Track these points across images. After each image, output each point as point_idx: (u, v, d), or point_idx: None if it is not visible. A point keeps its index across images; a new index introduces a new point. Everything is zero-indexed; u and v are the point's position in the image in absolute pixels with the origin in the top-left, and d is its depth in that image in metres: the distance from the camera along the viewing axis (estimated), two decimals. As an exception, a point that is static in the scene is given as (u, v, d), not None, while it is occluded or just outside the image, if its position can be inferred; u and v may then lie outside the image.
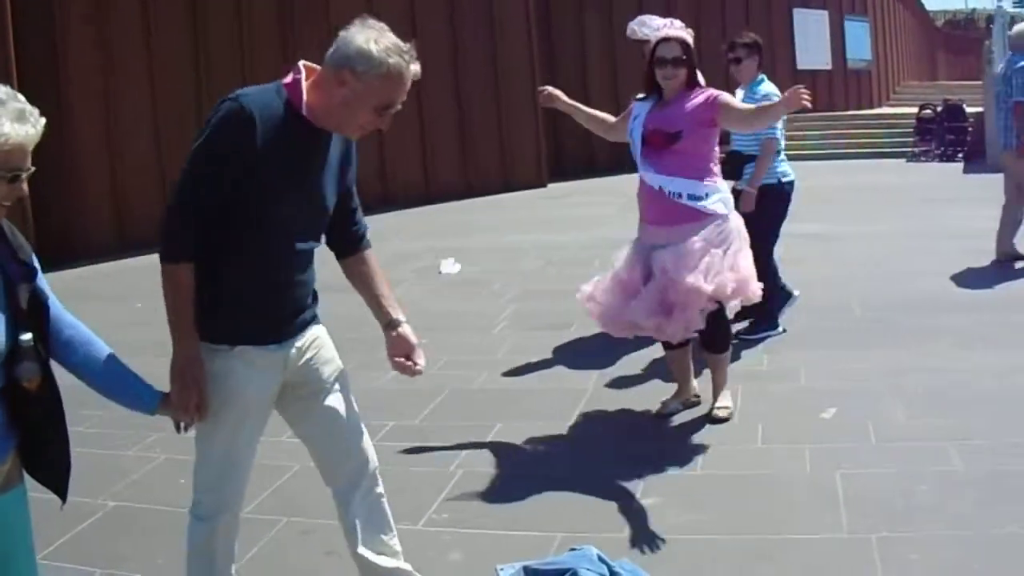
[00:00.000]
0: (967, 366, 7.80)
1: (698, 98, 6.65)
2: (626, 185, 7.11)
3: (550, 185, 23.09)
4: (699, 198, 6.55)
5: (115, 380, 3.58)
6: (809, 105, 5.90)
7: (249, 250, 3.81)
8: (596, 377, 7.97)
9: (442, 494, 5.80)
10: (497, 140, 22.56)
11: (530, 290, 11.59)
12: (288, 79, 3.83)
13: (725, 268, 6.43)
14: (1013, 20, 38.04)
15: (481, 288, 11.79)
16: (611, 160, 23.68)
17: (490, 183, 22.03)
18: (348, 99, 3.72)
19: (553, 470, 6.21)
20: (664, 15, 7.03)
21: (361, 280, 4.27)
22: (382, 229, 16.56)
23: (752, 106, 7.17)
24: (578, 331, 9.29)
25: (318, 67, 3.83)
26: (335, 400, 4.17)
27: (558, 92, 7.27)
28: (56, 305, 3.42)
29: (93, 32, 16.18)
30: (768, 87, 8.62)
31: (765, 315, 8.77)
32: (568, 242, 15.00)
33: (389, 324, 4.24)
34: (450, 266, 13.20)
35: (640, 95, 7.02)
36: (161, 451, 6.67)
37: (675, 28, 6.82)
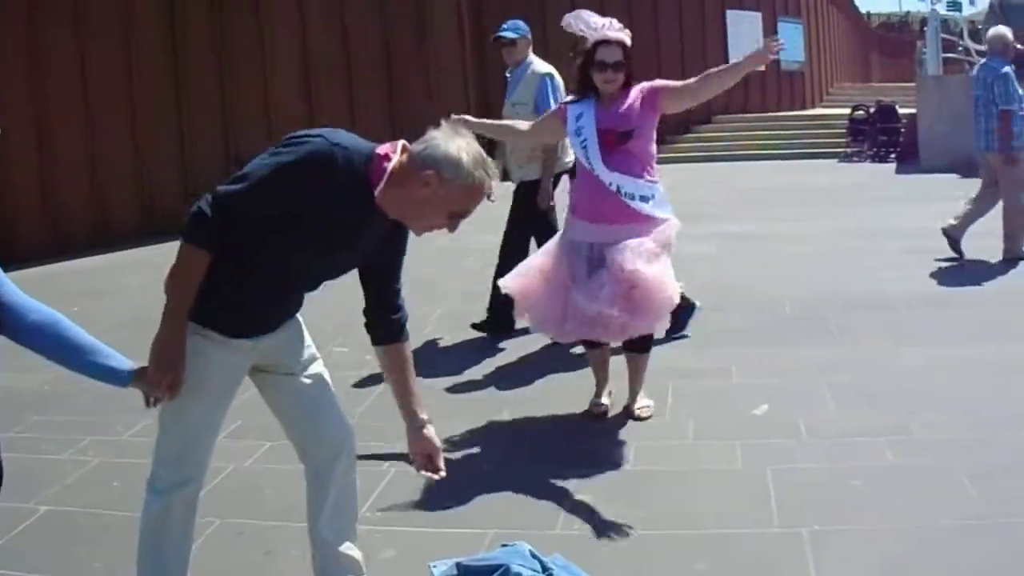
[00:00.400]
0: (899, 362, 7.94)
1: (638, 94, 6.65)
2: (565, 183, 7.14)
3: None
4: (647, 199, 6.57)
5: (89, 356, 3.66)
6: (773, 56, 6.20)
7: (258, 268, 3.88)
8: (527, 376, 8.02)
9: (375, 492, 5.82)
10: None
11: (466, 291, 11.56)
12: (382, 151, 3.89)
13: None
14: (946, 23, 38.55)
15: (417, 288, 11.71)
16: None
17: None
18: (428, 199, 3.79)
19: (485, 468, 6.25)
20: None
21: (393, 372, 4.33)
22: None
23: (695, 79, 6.83)
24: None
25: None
26: (312, 378, 4.28)
27: (464, 117, 6.94)
28: (13, 295, 3.44)
29: (21, 35, 16.01)
30: None
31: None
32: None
33: (413, 424, 4.30)
34: None
35: (570, 97, 7.01)
36: (95, 455, 6.65)
37: (614, 29, 6.69)
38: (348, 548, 4.35)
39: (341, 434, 4.32)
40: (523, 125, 7.41)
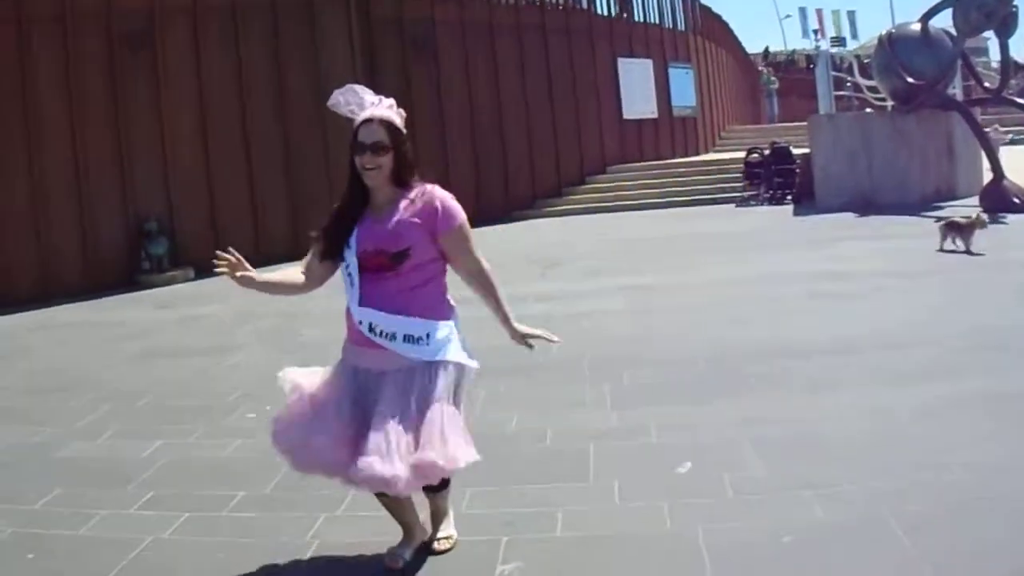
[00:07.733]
0: (818, 412, 7.87)
1: (420, 204, 5.30)
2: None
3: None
4: (416, 340, 5.31)
5: None
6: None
7: None
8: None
9: (301, 565, 5.62)
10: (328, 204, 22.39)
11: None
12: None
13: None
14: (834, 59, 39.30)
15: (328, 353, 11.45)
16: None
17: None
18: None
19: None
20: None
21: None
22: (219, 290, 16.32)
23: (476, 266, 5.46)
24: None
25: None
26: None
27: (239, 265, 5.38)
28: None
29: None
30: None
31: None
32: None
33: None
34: None
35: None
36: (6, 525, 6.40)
37: (382, 107, 5.36)
38: None
39: None
40: (297, 275, 5.71)
